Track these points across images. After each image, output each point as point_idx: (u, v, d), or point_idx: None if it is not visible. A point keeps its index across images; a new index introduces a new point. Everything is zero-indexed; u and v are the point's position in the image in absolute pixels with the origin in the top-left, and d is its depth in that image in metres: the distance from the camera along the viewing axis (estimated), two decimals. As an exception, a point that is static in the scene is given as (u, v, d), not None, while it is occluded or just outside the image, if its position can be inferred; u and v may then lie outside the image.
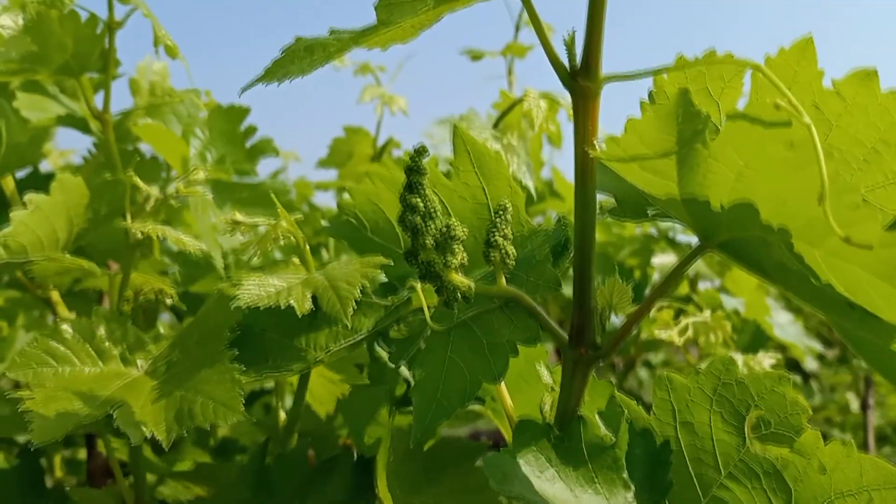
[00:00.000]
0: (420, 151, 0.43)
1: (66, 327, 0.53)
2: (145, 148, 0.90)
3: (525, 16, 1.49)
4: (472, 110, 1.37)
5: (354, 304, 0.50)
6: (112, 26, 0.72)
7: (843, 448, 0.42)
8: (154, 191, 0.55)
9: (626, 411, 0.47)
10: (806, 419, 0.43)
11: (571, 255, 0.45)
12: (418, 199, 0.43)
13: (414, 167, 0.43)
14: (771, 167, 0.33)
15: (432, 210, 0.43)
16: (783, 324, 1.30)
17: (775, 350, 1.16)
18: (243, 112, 0.80)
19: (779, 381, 0.44)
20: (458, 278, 0.43)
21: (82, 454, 0.94)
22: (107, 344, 0.53)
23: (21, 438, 0.91)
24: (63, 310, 0.71)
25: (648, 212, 0.44)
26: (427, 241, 0.42)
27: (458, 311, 0.46)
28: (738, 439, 0.45)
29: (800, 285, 0.38)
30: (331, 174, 1.40)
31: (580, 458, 0.45)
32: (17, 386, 0.77)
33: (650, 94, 0.44)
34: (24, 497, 0.76)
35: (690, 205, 0.39)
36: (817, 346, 1.38)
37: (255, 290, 0.51)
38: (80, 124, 0.83)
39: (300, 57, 0.41)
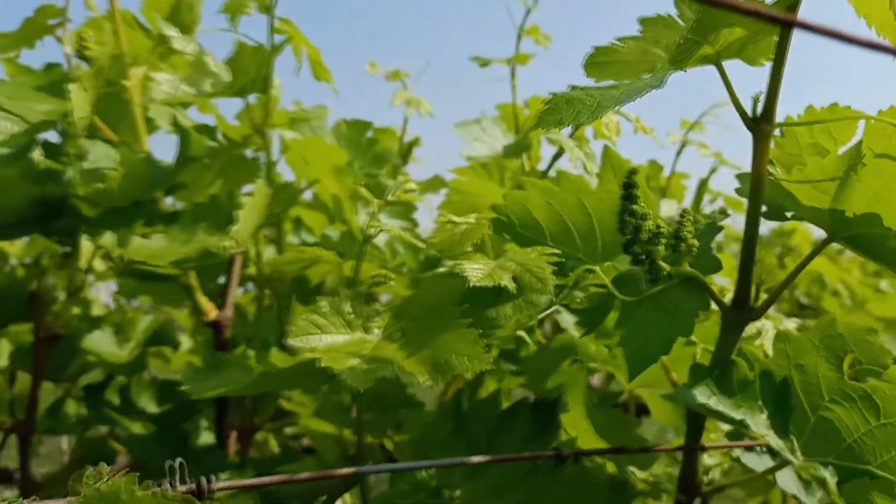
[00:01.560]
0: (634, 171, 0.60)
1: (323, 303, 0.67)
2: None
3: (526, 25, 1.68)
4: (483, 114, 1.55)
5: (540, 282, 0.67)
6: (272, 53, 0.86)
7: (918, 376, 0.62)
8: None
9: (753, 360, 0.66)
10: (890, 360, 0.63)
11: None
12: (636, 206, 0.60)
13: (631, 183, 0.60)
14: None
15: (645, 213, 0.60)
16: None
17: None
18: (367, 124, 0.94)
19: (868, 332, 0.64)
20: (663, 263, 0.60)
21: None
22: (351, 317, 0.68)
23: (152, 409, 1.03)
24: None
25: (787, 214, 0.62)
26: (642, 236, 0.60)
27: (644, 287, 0.64)
28: (838, 374, 0.65)
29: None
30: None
31: (732, 391, 0.64)
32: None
33: (783, 132, 0.63)
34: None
35: (833, 212, 0.57)
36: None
37: (474, 272, 0.67)
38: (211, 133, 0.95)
39: (562, 108, 0.57)
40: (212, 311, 0.96)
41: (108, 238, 0.78)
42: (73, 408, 1.07)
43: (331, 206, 1.02)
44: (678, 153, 1.53)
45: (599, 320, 0.66)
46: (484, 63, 1.72)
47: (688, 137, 1.49)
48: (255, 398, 0.93)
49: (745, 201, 0.60)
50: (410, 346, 0.66)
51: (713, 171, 1.53)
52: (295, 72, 0.90)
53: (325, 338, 0.66)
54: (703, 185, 1.56)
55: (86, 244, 1.02)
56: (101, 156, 0.78)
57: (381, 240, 0.89)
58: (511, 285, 0.67)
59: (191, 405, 0.98)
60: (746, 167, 0.59)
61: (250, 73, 0.81)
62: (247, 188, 0.98)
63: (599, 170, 0.73)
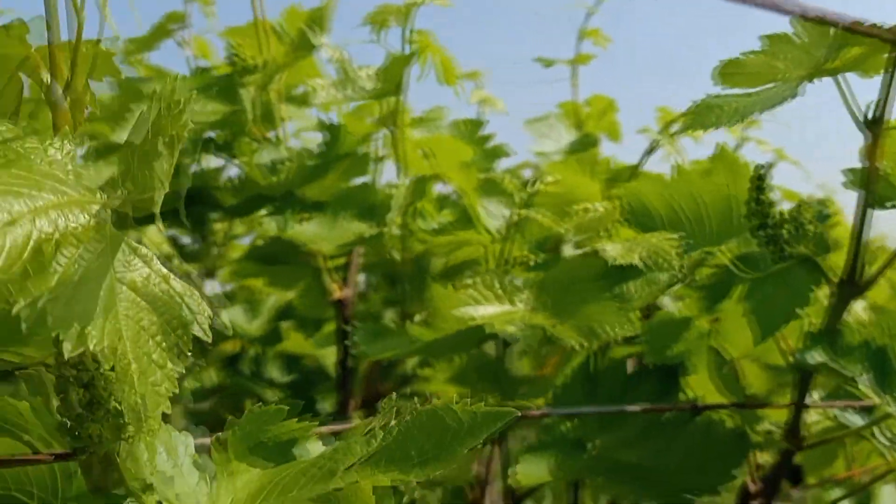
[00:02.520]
0: (762, 166, 0.71)
1: (477, 280, 0.78)
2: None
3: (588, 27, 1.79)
4: (549, 113, 1.68)
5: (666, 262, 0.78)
6: (408, 61, 0.97)
7: None
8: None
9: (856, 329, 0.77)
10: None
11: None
12: (764, 196, 0.70)
13: (761, 175, 0.71)
14: None
15: (772, 202, 0.71)
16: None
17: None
18: (480, 123, 1.05)
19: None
20: (787, 245, 0.71)
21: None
22: (501, 291, 0.79)
23: (281, 379, 1.14)
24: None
25: (887, 204, 0.73)
26: (769, 222, 0.70)
27: (767, 265, 0.75)
28: (931, 343, 0.75)
29: None
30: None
31: (841, 354, 0.75)
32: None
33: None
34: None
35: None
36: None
37: (614, 252, 0.78)
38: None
39: (706, 113, 0.68)
40: (337, 291, 1.07)
41: (271, 224, 0.89)
42: (213, 376, 1.18)
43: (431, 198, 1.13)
44: (737, 148, 1.64)
45: (721, 295, 0.77)
46: (548, 63, 1.82)
47: (746, 134, 1.60)
48: (385, 367, 1.04)
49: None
50: (558, 315, 0.77)
51: (772, 165, 1.63)
52: (419, 78, 1.01)
53: (481, 308, 0.77)
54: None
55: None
56: (271, 152, 0.89)
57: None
58: (640, 264, 0.77)
59: (315, 376, 1.09)
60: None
61: (395, 78, 0.92)
62: (358, 180, 1.09)
63: (711, 164, 0.84)
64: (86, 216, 0.35)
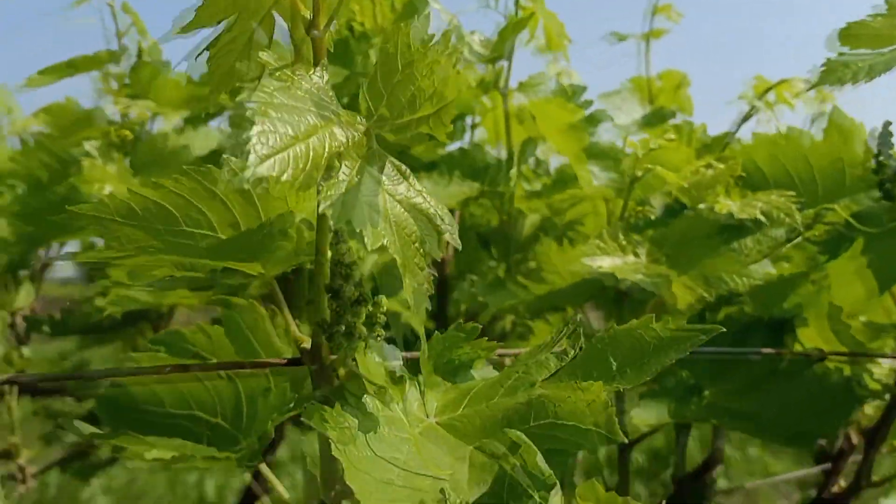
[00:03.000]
0: (889, 122, 0.74)
1: (602, 232, 0.82)
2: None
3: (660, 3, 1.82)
4: (622, 87, 1.70)
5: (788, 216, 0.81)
6: (520, 27, 1.00)
7: None
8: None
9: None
10: None
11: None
12: (893, 151, 0.73)
13: (888, 132, 0.74)
14: None
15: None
16: None
17: None
18: (583, 88, 1.09)
19: None
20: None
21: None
22: (624, 243, 0.83)
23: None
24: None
25: None
26: (890, 175, 0.73)
27: (879, 222, 0.78)
28: None
29: None
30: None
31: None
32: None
33: None
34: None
35: None
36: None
37: (733, 207, 0.81)
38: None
39: (839, 70, 0.71)
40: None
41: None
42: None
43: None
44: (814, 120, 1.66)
45: (835, 252, 0.80)
46: (621, 38, 1.84)
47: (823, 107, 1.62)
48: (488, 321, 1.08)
49: None
50: (678, 266, 0.81)
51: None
52: (526, 42, 1.04)
53: (605, 259, 0.81)
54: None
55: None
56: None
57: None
58: (763, 218, 0.81)
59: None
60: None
61: (506, 42, 0.95)
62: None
63: (825, 126, 0.87)
64: (355, 135, 0.39)
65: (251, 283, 0.72)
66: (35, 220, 0.90)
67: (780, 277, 0.85)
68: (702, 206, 0.84)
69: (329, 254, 0.43)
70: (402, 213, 0.39)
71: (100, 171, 0.82)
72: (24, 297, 1.78)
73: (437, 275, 1.12)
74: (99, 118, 0.86)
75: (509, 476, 0.45)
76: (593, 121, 1.10)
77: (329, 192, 0.36)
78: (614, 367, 0.48)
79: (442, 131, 0.40)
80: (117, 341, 2.17)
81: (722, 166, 0.84)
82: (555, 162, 1.50)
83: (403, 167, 0.40)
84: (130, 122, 0.88)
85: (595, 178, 0.98)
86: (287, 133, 0.35)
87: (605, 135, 1.24)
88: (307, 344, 0.48)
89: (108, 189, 0.82)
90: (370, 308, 0.41)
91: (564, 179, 1.06)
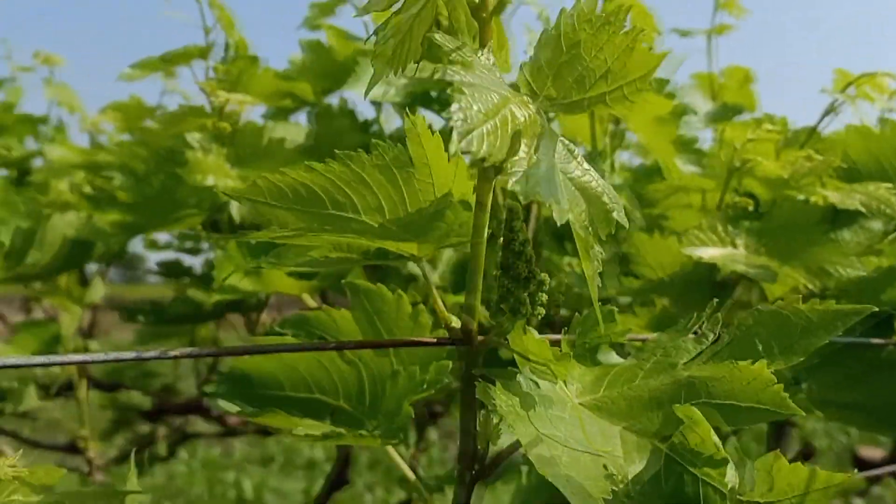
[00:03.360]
0: None
1: (703, 223, 0.82)
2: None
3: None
4: (686, 83, 1.70)
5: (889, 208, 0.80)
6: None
7: None
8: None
9: None
10: None
11: None
12: None
13: None
14: None
15: None
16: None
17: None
18: (666, 81, 1.09)
19: None
20: None
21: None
22: (723, 234, 0.83)
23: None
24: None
25: None
26: None
27: None
28: None
29: None
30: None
31: None
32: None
33: None
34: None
35: None
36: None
37: (834, 198, 0.81)
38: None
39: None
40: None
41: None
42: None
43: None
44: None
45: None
46: (684, 34, 1.84)
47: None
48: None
49: None
50: (780, 256, 0.80)
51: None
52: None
53: (707, 250, 0.81)
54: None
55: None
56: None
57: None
58: (863, 209, 0.80)
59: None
60: None
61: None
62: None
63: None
64: (530, 113, 0.40)
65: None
66: (133, 210, 0.92)
67: (878, 269, 0.84)
68: (801, 197, 0.84)
69: (487, 232, 0.44)
70: (574, 192, 0.40)
71: (202, 162, 0.84)
72: (95, 293, 1.82)
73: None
74: (199, 112, 0.88)
75: (665, 455, 0.46)
76: (678, 113, 1.10)
77: (514, 169, 0.37)
78: (760, 349, 0.49)
79: (626, 107, 0.40)
80: (173, 336, 2.21)
81: (821, 157, 0.83)
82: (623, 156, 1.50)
83: (571, 146, 0.41)
84: (228, 115, 0.90)
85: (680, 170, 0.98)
86: (479, 110, 0.36)
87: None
88: (456, 324, 0.49)
89: (210, 180, 0.84)
90: (533, 287, 0.42)
91: (648, 174, 1.07)
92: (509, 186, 0.37)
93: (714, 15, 1.82)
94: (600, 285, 0.40)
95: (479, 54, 0.42)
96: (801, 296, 0.70)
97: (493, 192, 0.45)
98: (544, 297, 0.43)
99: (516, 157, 0.38)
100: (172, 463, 3.73)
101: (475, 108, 0.36)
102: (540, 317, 0.44)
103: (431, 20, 0.46)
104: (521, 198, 0.36)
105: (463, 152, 0.35)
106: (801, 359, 0.47)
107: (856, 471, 0.43)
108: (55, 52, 2.19)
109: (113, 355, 0.41)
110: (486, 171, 0.43)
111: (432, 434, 3.07)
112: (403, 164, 0.49)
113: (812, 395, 0.84)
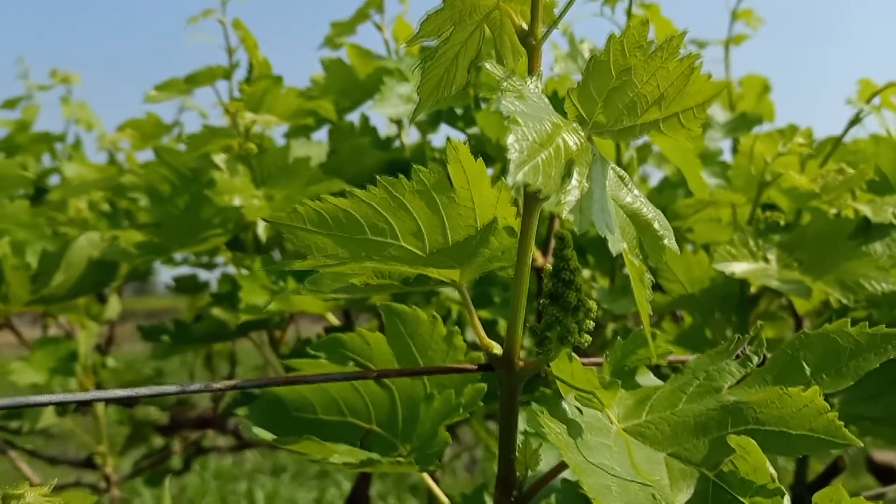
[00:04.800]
0: None
1: (734, 238, 0.81)
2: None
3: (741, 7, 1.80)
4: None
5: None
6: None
7: None
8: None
9: None
10: None
11: None
12: None
13: None
14: None
15: None
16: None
17: None
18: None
19: None
20: None
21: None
22: (755, 249, 0.82)
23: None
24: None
25: None
26: None
27: None
28: None
29: None
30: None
31: None
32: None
33: None
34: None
35: None
36: None
37: (867, 211, 0.80)
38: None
39: None
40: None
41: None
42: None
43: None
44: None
45: None
46: (701, 45, 1.84)
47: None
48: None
49: None
50: (812, 271, 0.80)
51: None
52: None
53: (739, 264, 0.80)
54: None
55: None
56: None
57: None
58: (896, 223, 0.80)
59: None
60: None
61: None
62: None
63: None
64: (581, 141, 0.40)
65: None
66: (158, 231, 0.92)
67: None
68: (833, 210, 0.83)
69: (534, 260, 0.43)
70: (625, 220, 0.40)
71: (229, 183, 0.84)
72: (112, 310, 1.82)
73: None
74: (225, 133, 0.88)
75: (712, 484, 0.45)
76: (704, 126, 1.09)
77: (567, 198, 0.37)
78: (808, 373, 0.48)
79: (682, 134, 0.40)
80: (188, 352, 2.20)
81: (852, 171, 0.83)
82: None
83: (622, 172, 0.41)
84: (254, 135, 0.90)
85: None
86: (535, 140, 0.36)
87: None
88: (498, 350, 0.49)
89: (237, 200, 0.84)
90: (581, 315, 0.42)
91: (672, 186, 1.06)
92: (563, 216, 0.36)
93: (731, 25, 1.82)
94: (651, 314, 0.40)
95: (528, 82, 0.42)
96: (832, 312, 0.69)
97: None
98: (591, 325, 0.43)
99: (569, 187, 0.38)
100: (184, 474, 3.73)
101: (530, 138, 0.36)
102: (587, 344, 0.44)
103: (477, 49, 0.45)
104: (575, 228, 0.35)
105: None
106: (851, 383, 0.46)
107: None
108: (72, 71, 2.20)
109: (157, 389, 0.41)
110: (532, 196, 0.43)
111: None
112: (444, 188, 0.48)
113: (842, 411, 0.83)
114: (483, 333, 0.49)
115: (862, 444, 0.40)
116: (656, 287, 0.95)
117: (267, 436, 0.57)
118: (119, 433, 2.26)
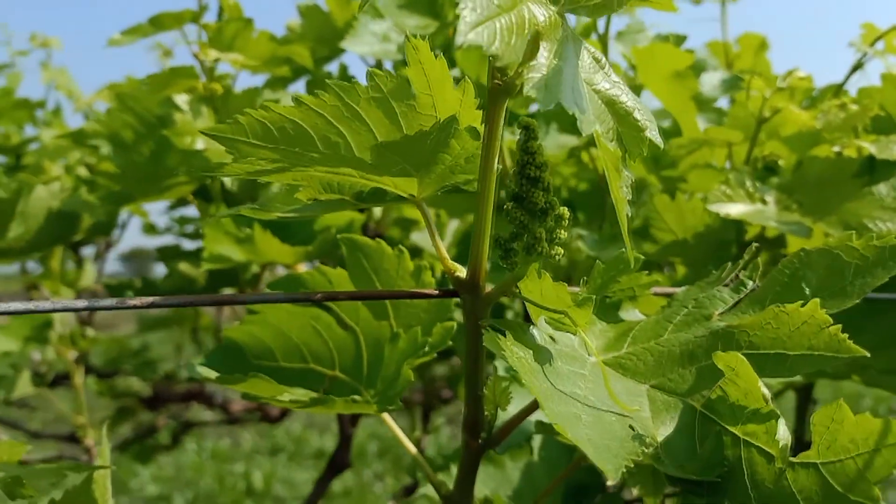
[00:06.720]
0: None
1: (731, 176, 0.76)
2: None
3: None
4: (700, 50, 1.63)
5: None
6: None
7: None
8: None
9: None
10: None
11: None
12: None
13: None
14: None
15: None
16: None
17: None
18: (683, 38, 1.03)
19: None
20: None
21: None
22: (751, 189, 0.77)
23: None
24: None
25: None
26: None
27: None
28: None
29: None
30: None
31: None
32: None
33: None
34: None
35: None
36: None
37: (872, 148, 0.75)
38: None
39: None
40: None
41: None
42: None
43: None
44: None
45: None
46: (697, 1, 1.78)
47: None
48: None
49: None
50: (814, 213, 0.75)
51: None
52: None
53: (735, 206, 0.75)
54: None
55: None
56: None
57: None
58: (901, 161, 0.74)
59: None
60: None
61: None
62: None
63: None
64: (551, 14, 0.34)
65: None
66: (121, 180, 0.87)
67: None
68: (835, 149, 0.78)
69: (496, 160, 0.38)
70: (600, 106, 0.35)
71: (191, 124, 0.78)
72: (88, 277, 1.77)
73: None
74: (188, 73, 0.82)
75: (699, 415, 0.40)
76: (697, 68, 1.04)
77: (531, 74, 0.32)
78: (808, 293, 0.43)
79: (663, 4, 0.35)
80: (173, 326, 2.16)
81: (856, 107, 0.77)
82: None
83: (599, 55, 0.35)
84: (220, 77, 0.85)
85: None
86: (493, 2, 0.30)
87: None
88: (461, 273, 0.43)
89: (200, 143, 0.79)
90: (552, 222, 0.37)
91: (664, 136, 1.01)
92: (525, 92, 0.31)
93: (727, -19, 1.76)
94: (629, 214, 0.35)
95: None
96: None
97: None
98: (563, 235, 0.38)
99: (534, 63, 0.32)
100: (181, 454, 3.70)
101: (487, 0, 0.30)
102: (558, 258, 0.39)
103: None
104: (539, 104, 0.30)
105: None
106: (856, 302, 0.41)
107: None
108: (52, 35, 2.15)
109: (66, 303, 0.36)
110: (497, 91, 0.37)
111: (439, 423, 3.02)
112: (403, 95, 0.43)
113: (850, 358, 0.78)
114: (445, 254, 0.44)
115: (867, 354, 0.35)
116: (647, 236, 0.89)
117: (210, 374, 0.52)
118: (105, 407, 2.22)
